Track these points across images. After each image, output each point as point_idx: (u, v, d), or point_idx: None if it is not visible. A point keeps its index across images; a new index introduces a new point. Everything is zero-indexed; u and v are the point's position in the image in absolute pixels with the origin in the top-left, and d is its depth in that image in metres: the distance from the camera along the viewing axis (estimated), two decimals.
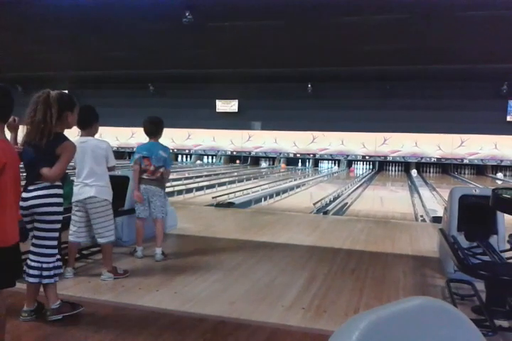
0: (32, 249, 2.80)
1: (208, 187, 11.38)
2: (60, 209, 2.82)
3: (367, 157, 21.82)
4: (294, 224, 6.55)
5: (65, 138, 2.82)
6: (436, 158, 21.05)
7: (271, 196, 10.01)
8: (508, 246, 3.65)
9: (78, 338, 2.60)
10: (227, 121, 22.48)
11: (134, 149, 4.56)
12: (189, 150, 23.86)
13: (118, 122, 22.11)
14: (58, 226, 2.85)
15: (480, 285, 3.29)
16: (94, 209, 3.52)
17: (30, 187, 2.75)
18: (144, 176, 4.30)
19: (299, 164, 22.98)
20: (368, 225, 6.51)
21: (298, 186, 12.87)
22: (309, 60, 15.86)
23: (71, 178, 4.05)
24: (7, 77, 18.17)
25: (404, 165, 21.67)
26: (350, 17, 11.16)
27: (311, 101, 20.97)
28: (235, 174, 16.59)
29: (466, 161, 20.83)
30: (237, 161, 23.60)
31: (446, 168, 21.38)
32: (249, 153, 23.17)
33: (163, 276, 3.76)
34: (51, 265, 2.78)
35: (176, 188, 10.30)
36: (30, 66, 18.00)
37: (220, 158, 23.74)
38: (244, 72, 18.77)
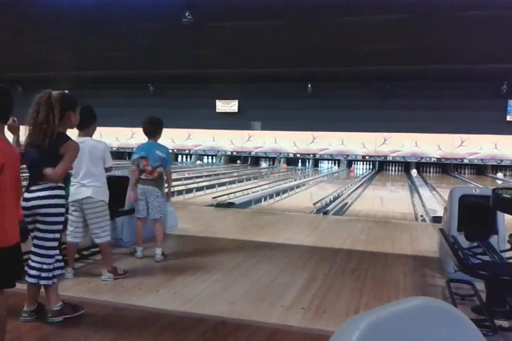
0: (33, 249, 2.80)
1: (208, 187, 11.38)
2: (62, 210, 2.82)
3: (367, 157, 21.82)
4: (294, 224, 6.55)
5: (68, 138, 2.83)
6: (436, 158, 21.05)
7: (271, 196, 10.01)
8: (508, 246, 3.65)
9: (78, 338, 2.60)
10: (227, 121, 22.48)
11: (134, 149, 4.58)
12: (189, 150, 23.86)
13: (118, 122, 22.13)
14: (60, 227, 2.85)
15: (480, 285, 3.28)
16: (91, 210, 3.53)
17: (33, 188, 2.74)
18: (142, 176, 4.32)
19: (299, 164, 22.98)
20: (368, 225, 6.51)
21: (298, 186, 12.88)
22: (309, 60, 15.85)
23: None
24: (7, 77, 18.16)
25: (404, 165, 21.67)
26: (350, 17, 11.15)
27: (311, 101, 20.97)
28: (235, 174, 16.60)
29: (466, 161, 20.83)
30: (238, 161, 23.60)
31: (446, 167, 21.38)
32: (249, 153, 23.16)
33: (163, 277, 3.76)
34: (51, 266, 2.78)
35: (176, 188, 10.28)
36: (30, 66, 17.98)
37: (220, 158, 23.74)
38: (244, 72, 18.77)
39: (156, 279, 3.68)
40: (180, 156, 24.31)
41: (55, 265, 2.80)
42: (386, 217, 8.00)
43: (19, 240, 2.30)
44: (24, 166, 2.74)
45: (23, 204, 2.71)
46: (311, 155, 22.42)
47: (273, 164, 23.20)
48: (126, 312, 2.98)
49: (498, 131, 19.73)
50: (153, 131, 4.42)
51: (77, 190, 3.52)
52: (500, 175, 19.78)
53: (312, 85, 20.69)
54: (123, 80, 21.26)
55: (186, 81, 21.16)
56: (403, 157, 21.38)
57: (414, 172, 19.80)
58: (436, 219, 6.60)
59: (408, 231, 6.12)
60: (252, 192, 10.27)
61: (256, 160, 23.70)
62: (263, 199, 9.53)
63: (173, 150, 22.73)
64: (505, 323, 2.85)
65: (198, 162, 23.62)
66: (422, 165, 21.59)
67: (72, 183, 3.59)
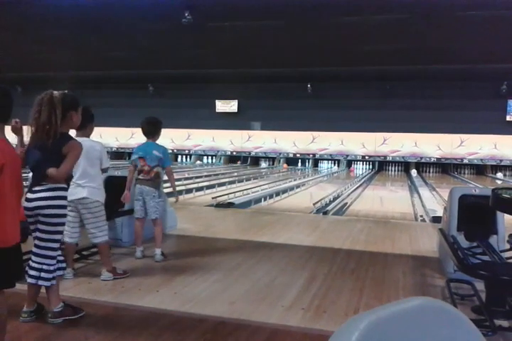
0: (34, 250, 2.80)
1: (208, 187, 11.38)
2: (65, 211, 2.82)
3: (367, 157, 21.82)
4: (294, 224, 6.55)
5: (71, 138, 2.84)
6: (436, 158, 21.05)
7: (271, 196, 10.01)
8: (507, 246, 3.65)
9: (78, 339, 2.60)
10: (227, 122, 22.48)
11: (133, 150, 4.59)
12: (189, 150, 23.85)
13: (118, 122, 22.12)
14: (62, 228, 2.85)
15: (480, 285, 3.29)
16: (87, 210, 3.54)
17: (36, 188, 2.74)
18: (140, 176, 4.33)
19: (299, 164, 22.98)
20: (368, 225, 6.52)
21: (298, 186, 12.88)
22: (309, 60, 15.85)
23: None
24: (7, 78, 18.15)
25: (404, 165, 21.67)
26: (350, 17, 11.16)
27: (311, 101, 20.97)
28: (235, 174, 16.60)
29: (465, 161, 20.83)
30: (238, 162, 23.59)
31: (446, 167, 21.38)
32: (249, 153, 23.16)
33: (163, 277, 3.76)
34: (52, 268, 2.77)
35: (176, 188, 10.28)
36: (30, 66, 17.97)
37: (220, 159, 23.74)
38: (244, 72, 18.77)
39: (156, 279, 3.68)
40: (180, 156, 24.30)
41: (55, 266, 2.80)
42: (386, 217, 8.00)
43: (19, 240, 2.30)
44: (27, 167, 2.75)
45: (26, 204, 2.71)
46: (311, 155, 22.42)
47: (273, 164, 23.20)
48: (126, 312, 2.98)
49: (498, 131, 19.73)
50: (152, 131, 4.43)
51: (74, 191, 3.52)
52: (499, 175, 19.78)
53: (312, 85, 20.69)
54: (123, 80, 21.25)
55: (186, 81, 21.15)
56: (403, 157, 21.38)
57: (413, 172, 19.80)
58: (436, 219, 6.60)
59: (408, 231, 6.12)
60: (252, 192, 10.27)
61: (256, 160, 23.69)
62: (263, 200, 9.53)
63: (172, 150, 22.73)
64: (504, 323, 2.85)
65: (198, 162, 23.62)
66: (422, 165, 21.60)
67: None
